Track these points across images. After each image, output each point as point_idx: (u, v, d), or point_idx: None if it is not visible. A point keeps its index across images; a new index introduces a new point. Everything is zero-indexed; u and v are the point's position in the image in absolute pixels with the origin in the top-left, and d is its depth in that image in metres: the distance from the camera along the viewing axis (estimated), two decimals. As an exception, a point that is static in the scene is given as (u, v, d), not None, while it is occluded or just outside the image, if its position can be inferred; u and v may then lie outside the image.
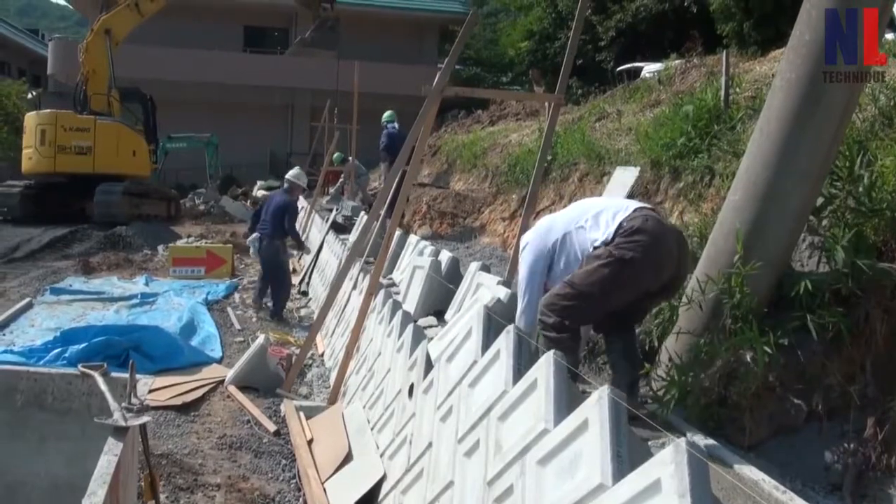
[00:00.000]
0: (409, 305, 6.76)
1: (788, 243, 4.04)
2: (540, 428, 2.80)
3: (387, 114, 13.39)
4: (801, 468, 3.89)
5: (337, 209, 14.34)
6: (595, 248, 3.95)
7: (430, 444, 4.05)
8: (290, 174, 10.87)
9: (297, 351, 8.12)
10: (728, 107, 7.63)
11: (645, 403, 4.22)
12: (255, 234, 10.43)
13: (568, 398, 2.90)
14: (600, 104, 14.38)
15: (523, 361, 3.40)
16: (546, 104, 18.45)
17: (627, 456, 2.37)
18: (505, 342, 3.44)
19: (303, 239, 12.00)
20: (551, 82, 26.19)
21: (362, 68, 17.99)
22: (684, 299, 4.31)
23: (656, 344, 4.71)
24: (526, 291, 4.32)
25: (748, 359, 3.97)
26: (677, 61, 15.48)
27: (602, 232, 3.95)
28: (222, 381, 6.85)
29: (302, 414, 6.14)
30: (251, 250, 10.88)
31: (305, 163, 22.19)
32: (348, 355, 6.86)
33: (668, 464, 2.04)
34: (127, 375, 3.33)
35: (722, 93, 7.67)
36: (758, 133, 3.94)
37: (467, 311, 4.61)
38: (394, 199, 8.42)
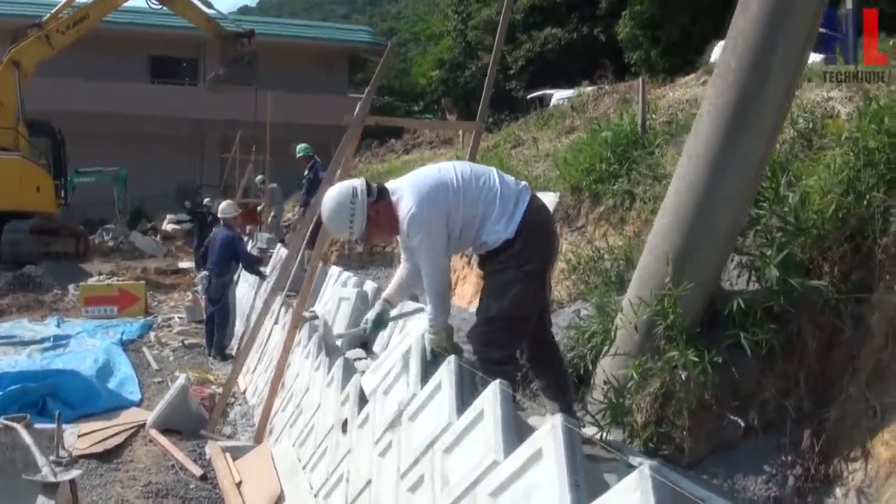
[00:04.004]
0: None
1: (718, 263, 4.11)
2: (490, 460, 2.72)
3: (304, 146, 13.17)
4: (742, 484, 3.93)
5: (253, 241, 14.04)
6: (498, 245, 3.70)
7: (369, 482, 3.93)
8: (221, 211, 10.64)
9: (219, 390, 7.85)
10: (645, 132, 7.80)
11: (582, 427, 4.19)
12: (202, 273, 10.21)
13: (516, 428, 2.83)
14: (515, 131, 14.55)
15: (466, 392, 3.32)
16: (462, 133, 18.66)
17: (585, 485, 2.31)
18: (447, 373, 3.36)
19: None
20: (463, 110, 26.50)
21: (274, 99, 17.78)
22: (619, 321, 4.32)
23: (590, 367, 4.71)
24: (434, 280, 3.79)
25: (683, 378, 4.00)
26: (589, 88, 15.82)
27: (505, 225, 3.69)
28: (143, 425, 6.54)
29: (228, 455, 5.91)
30: (199, 288, 10.62)
31: (216, 194, 21.70)
32: (273, 392, 6.66)
33: (632, 490, 2.00)
34: (50, 426, 3.10)
35: (639, 118, 7.84)
36: (685, 158, 4.00)
37: (400, 343, 4.50)
38: (315, 230, 8.27)
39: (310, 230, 7.80)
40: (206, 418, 6.77)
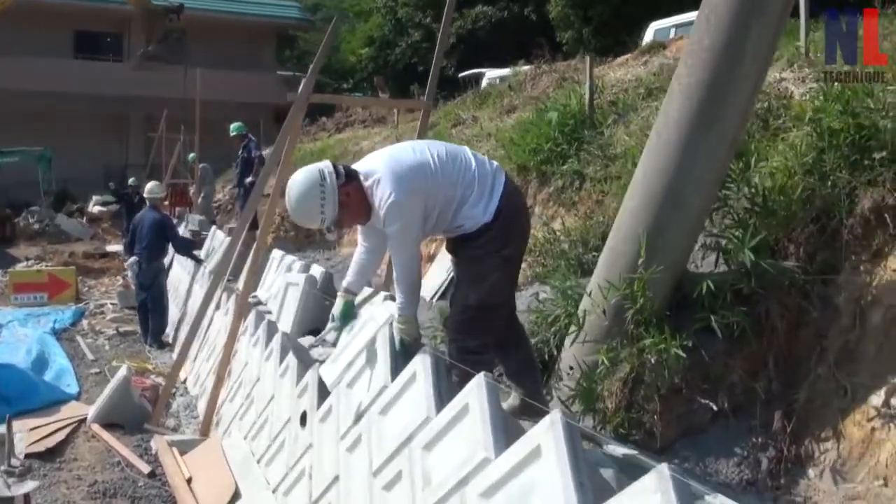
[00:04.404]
0: (284, 325, 6.38)
1: (688, 246, 4.06)
2: (480, 457, 2.60)
3: (238, 125, 12.77)
4: (714, 467, 3.91)
5: (184, 224, 13.60)
6: (475, 229, 3.56)
7: (336, 478, 3.77)
8: (147, 192, 10.19)
9: (160, 380, 7.56)
10: (593, 112, 7.76)
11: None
12: (132, 258, 9.74)
13: (504, 423, 2.72)
14: (454, 110, 14.39)
15: (443, 384, 3.19)
16: (397, 111, 18.41)
17: (589, 484, 2.21)
18: (422, 365, 3.22)
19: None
20: (394, 89, 26.15)
21: (203, 76, 17.19)
22: (586, 306, 4.24)
23: (555, 352, 4.63)
24: (406, 268, 3.59)
25: (653, 362, 3.95)
26: (526, 67, 15.75)
27: (483, 208, 3.54)
28: (84, 420, 6.22)
29: (175, 449, 5.65)
30: (129, 274, 10.16)
31: (143, 175, 20.99)
32: (220, 382, 6.42)
33: (652, 492, 1.90)
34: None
35: (586, 98, 7.79)
36: (655, 138, 3.92)
37: (361, 330, 4.33)
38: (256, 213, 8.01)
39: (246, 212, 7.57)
40: (150, 411, 6.48)
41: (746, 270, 3.89)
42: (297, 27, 34.75)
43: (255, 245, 6.64)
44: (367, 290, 4.84)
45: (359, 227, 3.94)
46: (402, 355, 3.61)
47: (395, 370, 3.56)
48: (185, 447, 5.77)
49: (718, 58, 3.57)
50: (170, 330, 9.96)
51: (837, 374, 3.81)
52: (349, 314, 3.95)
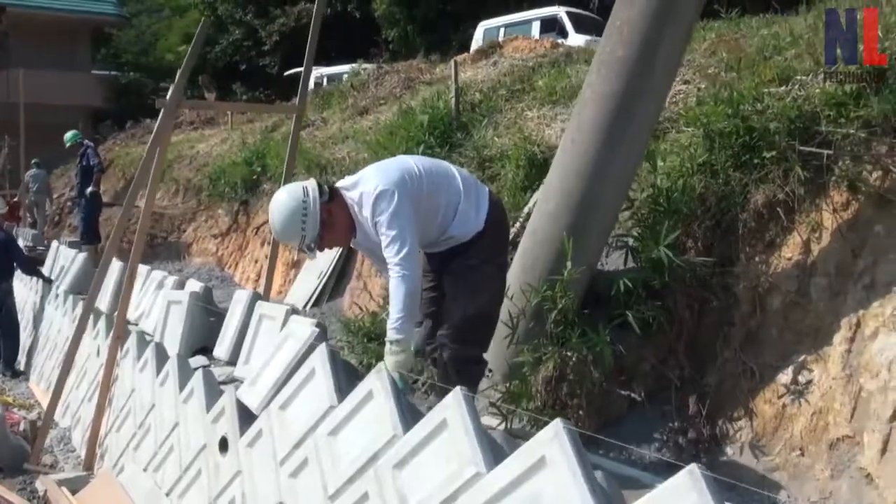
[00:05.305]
0: (170, 346, 6.08)
1: (601, 246, 4.26)
2: (470, 472, 2.63)
3: (74, 133, 11.94)
4: (637, 454, 4.13)
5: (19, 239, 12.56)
6: (468, 238, 3.58)
7: (280, 504, 3.67)
8: None
9: (25, 413, 7.00)
10: (459, 113, 7.92)
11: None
12: None
13: (485, 436, 2.77)
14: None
15: (403, 402, 3.19)
16: (231, 113, 17.85)
17: (600, 488, 2.30)
18: (380, 383, 3.19)
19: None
20: (216, 87, 25.24)
21: (25, 78, 15.93)
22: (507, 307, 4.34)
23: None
24: (405, 271, 3.36)
25: (574, 360, 4.12)
26: (366, 66, 15.72)
27: (475, 217, 3.57)
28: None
29: (65, 489, 5.26)
30: None
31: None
32: (101, 411, 6.05)
33: (687, 491, 2.01)
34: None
35: (452, 101, 7.93)
36: (569, 143, 4.08)
37: (279, 350, 4.22)
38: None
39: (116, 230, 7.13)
40: (28, 450, 5.98)
41: (656, 266, 4.14)
42: (114, 24, 32.82)
43: (128, 265, 6.27)
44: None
45: (361, 244, 3.80)
46: (404, 393, 3.34)
47: (339, 389, 3.52)
48: (73, 485, 5.40)
49: (632, 68, 3.76)
50: (20, 356, 9.20)
51: (743, 356, 4.13)
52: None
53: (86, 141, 12.02)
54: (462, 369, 3.48)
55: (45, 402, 7.46)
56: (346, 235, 3.59)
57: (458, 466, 2.70)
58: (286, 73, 23.50)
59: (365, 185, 3.43)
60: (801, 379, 3.85)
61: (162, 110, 6.36)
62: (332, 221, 3.46)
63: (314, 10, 6.80)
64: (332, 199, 3.47)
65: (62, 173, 21.19)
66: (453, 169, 3.69)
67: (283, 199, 3.46)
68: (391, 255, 3.35)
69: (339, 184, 3.62)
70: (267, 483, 3.81)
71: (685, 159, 4.45)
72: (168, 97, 6.39)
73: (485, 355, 4.03)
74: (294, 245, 3.73)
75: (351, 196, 3.48)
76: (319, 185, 3.47)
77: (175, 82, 6.38)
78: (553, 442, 2.38)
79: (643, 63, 3.74)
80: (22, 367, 9.00)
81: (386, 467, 3.03)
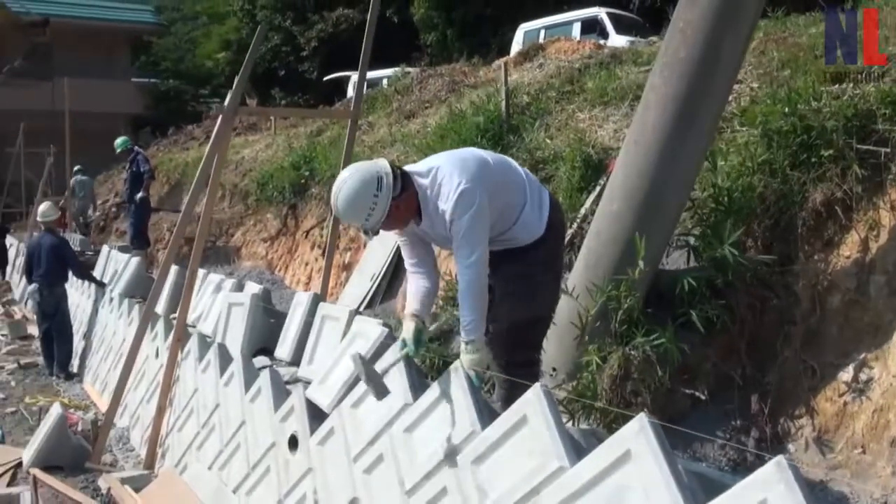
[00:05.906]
0: (231, 347, 6.22)
1: (664, 246, 4.31)
2: (553, 466, 2.70)
3: (124, 139, 12.23)
4: (701, 452, 4.18)
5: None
6: (529, 243, 3.56)
7: (354, 500, 3.76)
8: (41, 215, 9.61)
9: (82, 413, 7.20)
10: (510, 116, 7.99)
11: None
12: (32, 286, 9.11)
13: (566, 431, 2.84)
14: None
15: (480, 399, 3.27)
16: (274, 119, 18.06)
17: (687, 482, 2.37)
18: (457, 382, 3.27)
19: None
20: (256, 94, 25.53)
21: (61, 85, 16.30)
22: (569, 307, 4.41)
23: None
24: (476, 275, 3.30)
25: (640, 358, 4.17)
26: (409, 70, 15.80)
27: (538, 219, 3.54)
28: (20, 465, 5.83)
29: (127, 487, 5.41)
30: (30, 303, 9.50)
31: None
32: (161, 411, 6.20)
33: (775, 483, 2.06)
34: None
35: (503, 103, 8.00)
36: (633, 145, 4.14)
37: (347, 349, 4.33)
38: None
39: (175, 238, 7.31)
40: (89, 449, 6.16)
41: (719, 265, 4.18)
42: (153, 32, 33.39)
43: (188, 269, 6.42)
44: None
45: (401, 245, 3.73)
46: (478, 390, 3.34)
47: (413, 387, 3.60)
48: (136, 483, 5.53)
49: (694, 69, 3.82)
50: (74, 359, 9.44)
51: (804, 355, 4.17)
52: (421, 340, 3.60)
53: (136, 147, 12.30)
54: (512, 374, 3.46)
55: (99, 403, 7.68)
56: (404, 225, 3.50)
57: (540, 461, 2.78)
58: (325, 78, 23.64)
59: (444, 178, 3.31)
60: (861, 377, 3.88)
61: (220, 117, 6.50)
62: (398, 213, 3.38)
63: (369, 13, 6.92)
64: (402, 192, 3.35)
65: (105, 179, 21.65)
66: (517, 166, 3.70)
67: (355, 185, 3.30)
68: (463, 257, 3.32)
69: (410, 168, 3.51)
70: (340, 479, 3.90)
71: (745, 158, 4.48)
72: (226, 104, 6.53)
73: (546, 354, 4.11)
74: (354, 225, 3.67)
75: (424, 183, 3.37)
76: (394, 174, 3.33)
77: (233, 89, 6.51)
78: (639, 435, 2.44)
79: (705, 64, 3.79)
80: (75, 370, 9.24)
81: (465, 463, 3.11)
